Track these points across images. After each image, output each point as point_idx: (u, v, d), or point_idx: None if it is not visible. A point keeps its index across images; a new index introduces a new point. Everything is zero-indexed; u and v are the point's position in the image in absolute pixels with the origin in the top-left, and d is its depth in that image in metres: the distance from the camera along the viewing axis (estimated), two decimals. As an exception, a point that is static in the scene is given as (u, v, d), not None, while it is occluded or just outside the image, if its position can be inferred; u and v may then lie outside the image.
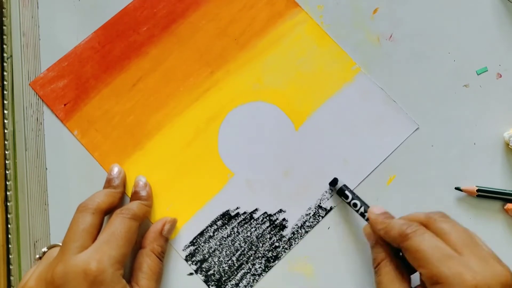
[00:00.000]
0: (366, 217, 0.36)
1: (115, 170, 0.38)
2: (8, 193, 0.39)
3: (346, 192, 0.37)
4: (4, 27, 0.41)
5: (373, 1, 0.41)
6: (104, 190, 0.37)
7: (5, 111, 0.40)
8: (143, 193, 0.38)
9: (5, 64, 0.41)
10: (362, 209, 0.37)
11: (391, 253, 0.34)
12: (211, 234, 0.38)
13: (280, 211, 0.39)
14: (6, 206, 0.39)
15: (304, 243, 0.38)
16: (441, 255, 0.30)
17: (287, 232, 0.39)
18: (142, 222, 0.37)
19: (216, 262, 0.38)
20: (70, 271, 0.31)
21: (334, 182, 0.38)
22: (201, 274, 0.38)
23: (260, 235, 0.39)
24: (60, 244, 0.34)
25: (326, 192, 0.39)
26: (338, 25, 0.41)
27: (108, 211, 0.36)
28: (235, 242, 0.38)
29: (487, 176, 0.39)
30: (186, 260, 0.38)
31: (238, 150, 0.40)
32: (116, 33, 0.41)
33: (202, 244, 0.38)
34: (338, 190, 0.38)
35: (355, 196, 0.37)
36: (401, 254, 0.34)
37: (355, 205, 0.37)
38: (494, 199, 0.39)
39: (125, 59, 0.41)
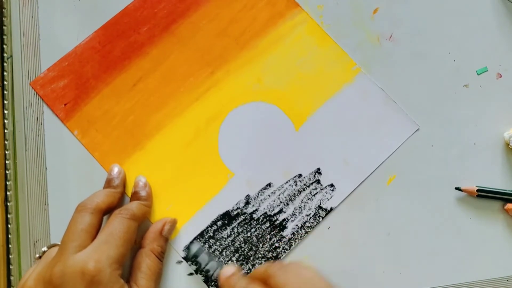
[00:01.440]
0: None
1: (115, 170, 0.38)
2: (8, 193, 0.39)
3: (200, 258, 0.37)
4: (4, 27, 0.41)
5: (373, 1, 0.41)
6: (103, 190, 0.37)
7: (5, 111, 0.40)
8: (142, 193, 0.38)
9: (5, 64, 0.41)
10: (215, 273, 0.36)
11: None
12: (211, 234, 0.38)
13: (280, 211, 0.39)
14: (6, 206, 0.39)
15: (304, 243, 0.38)
16: None
17: (287, 233, 0.38)
18: (142, 222, 0.37)
19: (216, 262, 0.38)
20: (68, 270, 0.31)
21: (187, 248, 0.38)
22: (201, 274, 0.38)
23: (260, 235, 0.38)
24: (60, 243, 0.34)
25: (326, 192, 0.39)
26: (338, 25, 0.41)
27: (107, 211, 0.36)
28: (235, 242, 0.38)
29: (487, 176, 0.39)
30: (186, 260, 0.38)
31: (238, 150, 0.40)
32: (116, 33, 0.41)
33: (202, 244, 0.38)
34: (192, 256, 0.38)
35: (211, 260, 0.37)
36: None
37: (207, 270, 0.37)
38: (494, 199, 0.39)
39: (125, 59, 0.41)
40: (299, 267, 0.32)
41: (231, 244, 0.38)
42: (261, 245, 0.38)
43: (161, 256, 0.36)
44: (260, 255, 0.38)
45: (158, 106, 0.40)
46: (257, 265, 0.38)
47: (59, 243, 0.35)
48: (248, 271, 0.38)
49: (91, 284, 0.31)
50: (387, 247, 0.38)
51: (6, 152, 0.40)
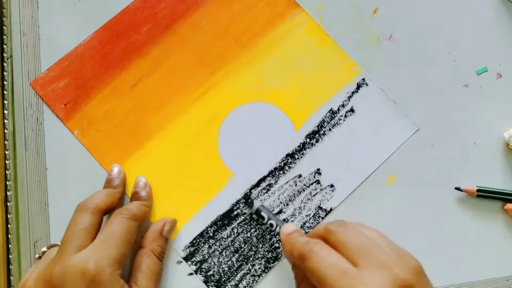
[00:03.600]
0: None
1: (115, 170, 0.38)
2: (8, 193, 0.39)
3: (262, 213, 0.37)
4: (4, 27, 0.41)
5: (373, 1, 0.41)
6: (103, 190, 0.37)
7: (5, 111, 0.40)
8: (143, 193, 0.38)
9: (5, 64, 0.41)
10: (277, 229, 0.36)
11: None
12: (211, 234, 0.38)
13: (280, 211, 0.39)
14: (6, 206, 0.39)
15: (304, 243, 0.38)
16: (336, 273, 0.28)
17: (287, 232, 0.38)
18: (142, 223, 0.37)
19: (216, 263, 0.38)
20: (68, 270, 0.31)
21: (250, 204, 0.38)
22: (201, 274, 0.38)
23: (260, 235, 0.38)
24: (60, 243, 0.34)
25: (326, 193, 0.39)
26: (338, 25, 0.41)
27: (107, 211, 0.36)
28: (235, 242, 0.38)
29: (487, 176, 0.39)
30: (186, 260, 0.38)
31: (238, 150, 0.40)
32: (116, 33, 0.41)
33: (202, 244, 0.38)
34: (255, 211, 0.38)
35: (272, 216, 0.37)
36: None
37: (271, 225, 0.36)
38: (494, 199, 0.39)
39: (125, 59, 0.41)
40: (359, 225, 0.32)
41: (231, 244, 0.38)
42: (261, 245, 0.38)
43: (161, 256, 0.36)
44: (260, 255, 0.38)
45: (158, 106, 0.40)
46: (257, 265, 0.38)
47: (59, 243, 0.35)
48: (248, 272, 0.38)
49: (91, 284, 0.31)
50: (387, 247, 0.38)
51: (6, 152, 0.40)
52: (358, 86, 0.40)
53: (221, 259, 0.38)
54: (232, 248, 0.38)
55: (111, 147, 0.40)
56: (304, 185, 0.39)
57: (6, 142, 0.40)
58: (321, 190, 0.39)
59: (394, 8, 0.41)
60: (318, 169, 0.39)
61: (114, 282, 0.32)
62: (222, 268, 0.38)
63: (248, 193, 0.39)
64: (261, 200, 0.39)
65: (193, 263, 0.38)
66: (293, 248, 0.32)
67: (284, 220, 0.39)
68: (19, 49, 0.41)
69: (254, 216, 0.38)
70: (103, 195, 0.36)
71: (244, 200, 0.39)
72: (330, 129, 0.40)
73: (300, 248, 0.31)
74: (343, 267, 0.29)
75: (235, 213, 0.39)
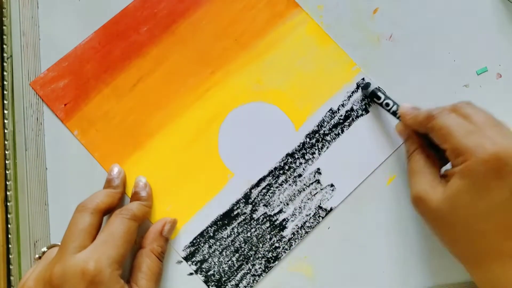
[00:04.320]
0: (397, 115, 0.37)
1: (115, 170, 0.38)
2: (8, 193, 0.39)
3: (379, 93, 0.39)
4: (4, 27, 0.41)
5: (373, 1, 0.41)
6: (103, 190, 0.37)
7: (5, 111, 0.40)
8: (143, 193, 0.38)
9: (5, 64, 0.41)
10: (394, 108, 0.38)
11: (423, 144, 0.35)
12: (211, 234, 0.38)
13: (280, 211, 0.39)
14: (6, 206, 0.39)
15: (304, 243, 0.38)
16: (464, 131, 0.31)
17: (287, 233, 0.38)
18: (142, 223, 0.37)
19: (216, 263, 0.38)
20: (68, 271, 0.31)
21: (366, 86, 0.39)
22: (201, 274, 0.38)
23: (260, 235, 0.38)
24: (60, 244, 0.34)
25: (326, 192, 0.39)
26: (338, 25, 0.41)
27: (107, 212, 0.36)
28: (235, 242, 0.38)
29: (487, 176, 0.39)
30: (186, 260, 0.38)
31: (238, 150, 0.40)
32: (116, 33, 0.41)
33: (202, 244, 0.38)
34: (370, 93, 0.39)
35: (387, 97, 0.38)
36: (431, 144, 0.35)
37: (387, 104, 0.38)
38: (494, 199, 0.39)
39: (125, 59, 0.41)
40: (484, 110, 0.33)
41: (231, 244, 0.38)
42: (261, 245, 0.38)
43: (161, 256, 0.37)
44: (260, 255, 0.38)
45: (158, 106, 0.40)
46: (257, 265, 0.38)
47: (59, 244, 0.35)
48: (248, 271, 0.38)
49: (91, 284, 0.31)
50: (387, 247, 0.38)
51: (6, 152, 0.40)
52: (358, 86, 0.40)
53: (221, 259, 0.38)
54: (232, 248, 0.38)
55: (111, 147, 0.40)
56: (304, 184, 0.39)
57: (6, 142, 0.40)
58: (321, 189, 0.39)
59: (394, 8, 0.41)
60: (318, 169, 0.39)
61: (114, 282, 0.32)
62: (222, 268, 0.38)
63: (248, 193, 0.39)
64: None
65: (193, 263, 0.38)
66: (419, 114, 0.35)
67: (284, 220, 0.39)
68: (19, 49, 0.41)
69: (367, 98, 0.40)
70: (103, 195, 0.36)
71: (359, 85, 0.40)
72: (330, 129, 0.40)
73: (428, 111, 0.34)
74: (471, 128, 0.31)
75: (235, 213, 0.39)
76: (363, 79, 0.40)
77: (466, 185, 0.30)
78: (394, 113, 0.38)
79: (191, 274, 0.38)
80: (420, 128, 0.34)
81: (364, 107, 0.40)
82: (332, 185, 0.39)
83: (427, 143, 0.35)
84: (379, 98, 0.39)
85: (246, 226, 0.39)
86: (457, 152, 0.31)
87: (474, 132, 0.31)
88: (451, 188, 0.31)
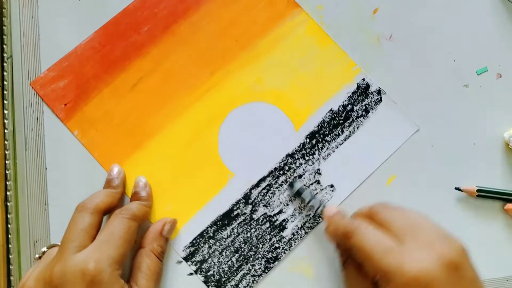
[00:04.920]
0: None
1: (115, 170, 0.38)
2: (8, 193, 0.39)
3: (303, 194, 0.38)
4: (4, 27, 0.41)
5: (373, 1, 0.41)
6: (103, 190, 0.37)
7: (5, 111, 0.40)
8: (143, 193, 0.38)
9: (5, 64, 0.41)
10: (319, 211, 0.37)
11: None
12: (211, 234, 0.38)
13: (280, 212, 0.39)
14: (6, 206, 0.39)
15: (304, 243, 0.38)
16: (382, 249, 0.30)
17: (287, 233, 0.38)
18: (142, 223, 0.37)
19: (216, 263, 0.38)
20: (68, 270, 0.31)
21: (291, 185, 0.38)
22: (201, 274, 0.38)
23: (260, 236, 0.38)
24: (59, 244, 0.34)
25: (326, 193, 0.39)
26: (338, 25, 0.41)
27: (107, 211, 0.36)
28: (235, 242, 0.38)
29: (487, 176, 0.39)
30: (186, 260, 0.38)
31: (238, 150, 0.40)
32: (116, 33, 0.41)
33: (202, 244, 0.38)
34: (295, 192, 0.38)
35: (313, 196, 0.37)
36: None
37: (312, 207, 0.37)
38: (494, 199, 0.39)
39: (125, 59, 0.41)
40: (403, 207, 0.33)
41: (231, 244, 0.38)
42: (261, 245, 0.38)
43: (161, 256, 0.36)
44: (260, 255, 0.38)
45: (158, 106, 0.40)
46: (257, 265, 0.38)
47: (59, 244, 0.35)
48: (248, 272, 0.38)
49: (91, 284, 0.31)
50: (387, 247, 0.38)
51: (6, 152, 0.40)
52: (358, 86, 0.40)
53: (221, 259, 0.38)
54: (232, 248, 0.38)
55: (111, 147, 0.40)
56: (304, 185, 0.39)
57: (6, 142, 0.40)
58: (321, 190, 0.39)
59: (394, 8, 0.41)
60: (318, 169, 0.39)
61: (114, 282, 0.32)
62: (222, 268, 0.38)
63: (248, 193, 0.39)
64: (296, 182, 0.39)
65: (193, 263, 0.38)
66: (338, 227, 0.33)
67: (283, 221, 0.39)
68: (19, 49, 0.41)
69: (293, 197, 0.39)
70: (102, 195, 0.36)
71: (287, 183, 0.39)
72: (330, 129, 0.40)
73: (346, 226, 0.32)
74: (389, 244, 0.30)
75: (235, 213, 0.39)
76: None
77: None
78: (320, 217, 0.37)
79: (191, 274, 0.38)
80: (342, 243, 0.33)
81: (364, 107, 0.40)
82: (332, 186, 0.39)
83: None
84: (303, 200, 0.38)
85: (246, 226, 0.39)
86: (376, 274, 0.30)
87: (392, 249, 0.29)
88: None
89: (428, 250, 0.29)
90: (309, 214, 0.39)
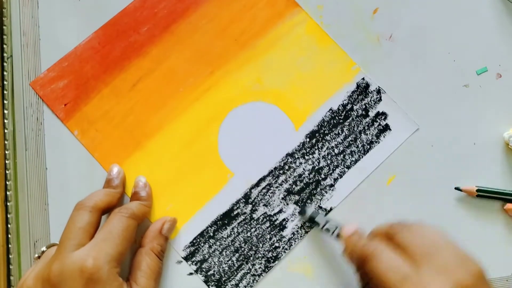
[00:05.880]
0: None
1: (115, 170, 0.38)
2: (8, 193, 0.39)
3: (317, 219, 0.37)
4: (4, 27, 0.41)
5: (373, 1, 0.41)
6: (102, 190, 0.37)
7: (5, 111, 0.40)
8: (142, 193, 0.38)
9: (5, 64, 0.41)
10: (336, 232, 0.36)
11: None
12: (211, 234, 0.38)
13: (280, 211, 0.39)
14: (6, 206, 0.39)
15: (304, 243, 0.38)
16: (397, 278, 0.29)
17: (287, 233, 0.38)
18: (142, 222, 0.37)
19: (216, 262, 0.38)
20: (66, 268, 0.31)
21: (302, 212, 0.38)
22: (201, 274, 0.38)
23: (260, 235, 0.38)
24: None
25: (326, 192, 0.39)
26: (338, 25, 0.41)
27: (106, 211, 0.36)
28: (235, 242, 0.38)
29: (487, 176, 0.39)
30: (186, 260, 0.38)
31: (238, 150, 0.40)
32: (116, 33, 0.41)
33: (202, 244, 0.38)
34: (308, 218, 0.37)
35: (327, 221, 0.36)
36: None
37: (327, 230, 0.36)
38: (494, 199, 0.39)
39: (125, 59, 0.41)
40: (423, 226, 0.32)
41: (231, 244, 0.38)
42: (261, 245, 0.38)
43: (161, 255, 0.36)
44: (260, 255, 0.38)
45: (158, 106, 0.40)
46: (257, 264, 0.38)
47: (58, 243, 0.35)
48: (248, 271, 0.38)
49: (89, 281, 0.31)
50: (387, 247, 0.38)
51: (6, 152, 0.40)
52: (358, 86, 0.40)
53: (221, 259, 0.38)
54: (232, 247, 0.38)
55: (111, 147, 0.40)
56: (315, 208, 0.39)
57: (6, 142, 0.40)
58: (321, 190, 0.39)
59: (394, 8, 0.41)
60: (318, 169, 0.39)
61: (112, 280, 0.32)
62: (222, 267, 0.38)
63: (248, 193, 0.39)
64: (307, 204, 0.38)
65: (193, 263, 0.38)
66: (354, 251, 0.33)
67: (283, 220, 0.39)
68: (19, 49, 0.41)
69: (307, 223, 0.38)
70: (102, 194, 0.36)
71: (297, 208, 0.39)
72: (330, 129, 0.40)
73: (362, 250, 0.32)
74: (405, 271, 0.29)
75: (235, 212, 0.39)
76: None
77: None
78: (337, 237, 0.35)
79: (191, 274, 0.38)
80: (360, 267, 0.32)
81: (364, 107, 0.40)
82: (332, 185, 0.39)
83: None
84: (318, 224, 0.37)
85: (246, 226, 0.39)
86: None
87: (407, 278, 0.29)
88: None
89: (443, 278, 0.29)
90: (309, 214, 0.39)
